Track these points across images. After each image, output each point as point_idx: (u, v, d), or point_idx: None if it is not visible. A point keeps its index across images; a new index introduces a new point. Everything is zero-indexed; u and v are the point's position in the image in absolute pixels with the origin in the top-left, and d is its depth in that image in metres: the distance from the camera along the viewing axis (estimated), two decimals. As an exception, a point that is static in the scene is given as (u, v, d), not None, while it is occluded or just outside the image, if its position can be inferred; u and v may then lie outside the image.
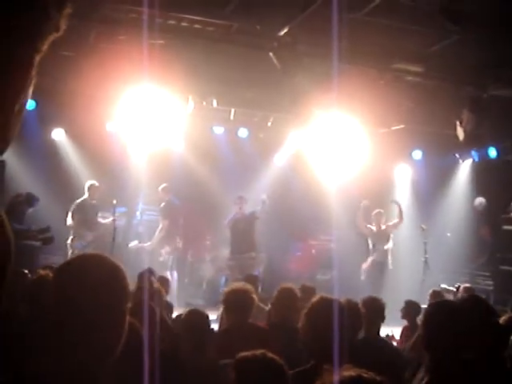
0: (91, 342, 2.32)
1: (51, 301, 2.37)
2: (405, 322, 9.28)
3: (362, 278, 14.95)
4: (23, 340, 4.64)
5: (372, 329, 6.99)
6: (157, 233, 14.83)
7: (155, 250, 14.79)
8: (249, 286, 7.12)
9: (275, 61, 10.72)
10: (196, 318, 5.89)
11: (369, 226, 15.27)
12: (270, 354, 3.98)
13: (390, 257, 14.99)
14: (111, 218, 13.62)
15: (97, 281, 2.35)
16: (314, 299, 5.02)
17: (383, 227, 15.13)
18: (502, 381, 4.31)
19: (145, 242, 15.07)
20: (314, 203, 16.13)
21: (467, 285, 11.85)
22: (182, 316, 6.28)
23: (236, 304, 6.71)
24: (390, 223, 15.23)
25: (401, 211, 15.29)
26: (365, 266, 15.02)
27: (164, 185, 15.05)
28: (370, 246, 15.26)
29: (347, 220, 15.80)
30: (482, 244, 15.99)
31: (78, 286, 2.34)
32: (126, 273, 2.46)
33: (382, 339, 7.17)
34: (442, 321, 3.94)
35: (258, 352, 3.97)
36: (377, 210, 15.24)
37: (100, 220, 14.50)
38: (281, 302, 7.27)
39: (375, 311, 7.07)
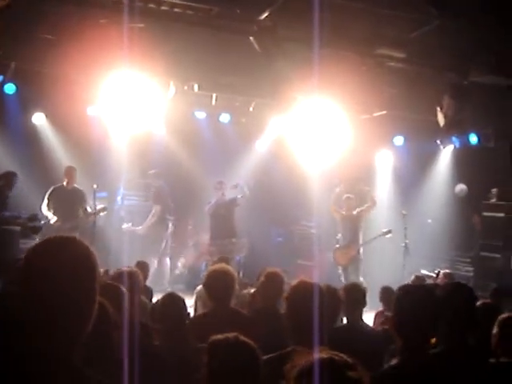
0: (61, 323, 2.32)
1: (21, 284, 2.38)
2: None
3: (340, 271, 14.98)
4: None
5: (354, 314, 7.03)
6: (149, 217, 14.88)
7: (146, 234, 14.85)
8: (229, 267, 7.12)
9: (256, 45, 10.68)
10: (172, 302, 5.90)
11: (339, 210, 15.26)
12: (242, 338, 3.98)
13: (360, 245, 14.97)
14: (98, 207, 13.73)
15: (64, 262, 2.34)
16: (294, 283, 5.03)
17: (355, 213, 15.11)
18: (469, 367, 4.32)
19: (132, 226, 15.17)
20: (295, 189, 16.17)
21: (447, 271, 11.93)
22: (159, 300, 6.30)
23: (217, 286, 6.69)
24: (363, 207, 15.20)
25: (372, 195, 15.29)
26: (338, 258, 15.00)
27: (155, 170, 15.07)
28: (340, 233, 15.26)
29: (328, 206, 15.81)
30: (471, 233, 16.03)
31: (45, 267, 2.34)
32: (94, 253, 2.45)
33: (364, 325, 7.18)
34: (413, 304, 3.94)
35: (231, 335, 3.97)
36: (346, 195, 15.22)
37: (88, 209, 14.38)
38: (267, 287, 7.16)
39: (356, 297, 7.11)
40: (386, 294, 9.17)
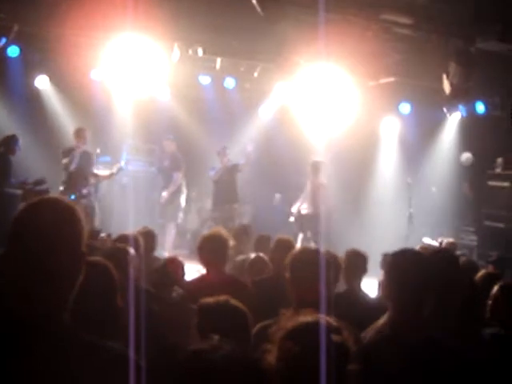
0: (47, 282, 2.34)
1: (6, 245, 2.41)
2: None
3: None
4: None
5: (354, 281, 6.99)
6: (172, 185, 14.82)
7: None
8: (223, 232, 7.09)
9: (258, 8, 10.57)
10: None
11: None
12: (233, 301, 3.97)
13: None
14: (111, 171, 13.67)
15: (47, 221, 2.37)
16: (296, 250, 5.01)
17: None
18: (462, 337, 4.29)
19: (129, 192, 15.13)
20: (299, 156, 16.09)
21: (450, 240, 11.87)
22: (159, 263, 6.31)
23: (208, 250, 6.69)
24: None
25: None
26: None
27: (170, 136, 15.00)
28: None
29: (333, 173, 15.76)
30: (465, 201, 16.01)
31: (28, 227, 2.37)
32: (79, 212, 2.48)
33: (363, 292, 7.15)
34: (406, 271, 3.85)
35: (221, 298, 3.96)
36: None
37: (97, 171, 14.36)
38: (278, 255, 6.97)
39: (357, 264, 7.06)
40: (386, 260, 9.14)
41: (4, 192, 11.57)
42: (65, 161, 13.11)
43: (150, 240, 8.21)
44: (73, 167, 13.02)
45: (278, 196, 17.60)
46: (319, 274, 4.60)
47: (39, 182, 12.16)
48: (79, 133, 13.25)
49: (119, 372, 2.34)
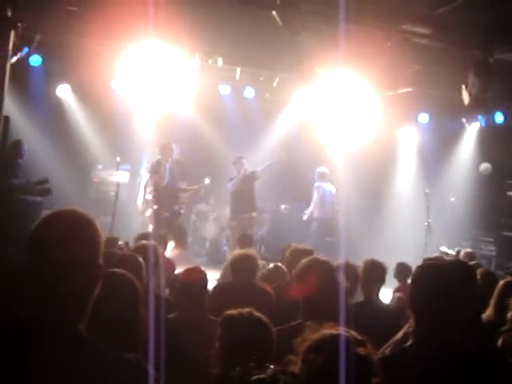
0: (63, 296, 2.37)
1: (26, 256, 2.43)
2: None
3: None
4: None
5: (372, 291, 6.99)
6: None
7: None
8: (252, 253, 7.24)
9: (278, 19, 10.62)
10: (194, 276, 5.93)
11: None
12: (256, 313, 4.01)
13: None
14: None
15: (64, 232, 2.39)
16: (305, 260, 5.05)
17: None
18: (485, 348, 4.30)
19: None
20: (318, 165, 16.09)
21: (468, 250, 11.85)
22: (180, 273, 6.34)
23: (242, 267, 6.83)
24: None
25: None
26: None
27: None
28: None
29: (352, 182, 15.78)
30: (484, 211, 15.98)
31: (48, 241, 2.38)
32: (96, 223, 2.50)
33: (381, 302, 7.17)
34: (429, 282, 3.85)
35: (245, 310, 3.99)
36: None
37: (105, 177, 14.49)
38: (296, 265, 7.16)
39: (376, 274, 7.05)
40: (401, 270, 9.16)
41: (25, 200, 11.64)
42: (155, 176, 13.09)
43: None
44: (165, 182, 13.02)
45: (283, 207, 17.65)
46: (329, 286, 4.66)
47: (42, 182, 12.20)
48: (166, 147, 13.31)
49: (129, 382, 2.37)
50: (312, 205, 15.61)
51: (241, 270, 6.93)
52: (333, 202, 15.67)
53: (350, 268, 6.77)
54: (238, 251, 7.74)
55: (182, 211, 13.69)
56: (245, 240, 10.42)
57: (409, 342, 3.87)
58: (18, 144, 12.34)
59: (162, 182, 12.94)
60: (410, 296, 3.92)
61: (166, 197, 12.92)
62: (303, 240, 12.87)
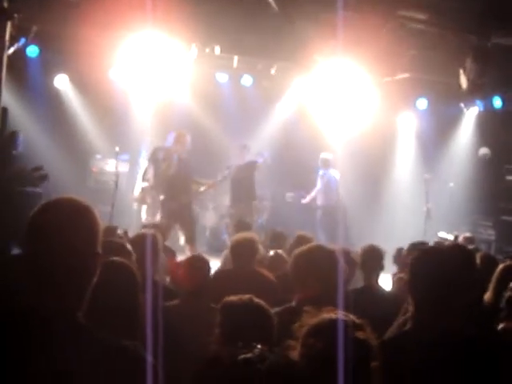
0: (61, 284, 2.38)
1: (23, 245, 2.46)
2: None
3: None
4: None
5: (371, 277, 7.00)
6: None
7: None
8: (252, 236, 7.24)
9: (274, 6, 10.60)
10: (198, 264, 5.93)
11: None
12: (256, 300, 4.02)
13: None
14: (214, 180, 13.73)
15: (65, 224, 2.39)
16: (305, 246, 5.07)
17: None
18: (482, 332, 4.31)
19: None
20: (316, 153, 16.09)
21: (467, 234, 11.87)
22: (183, 261, 6.35)
23: (242, 252, 6.84)
24: None
25: None
26: None
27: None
28: None
29: (351, 169, 15.80)
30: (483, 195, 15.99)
31: (42, 226, 2.40)
32: (93, 211, 2.51)
33: (381, 288, 7.19)
34: (428, 268, 3.82)
35: (245, 297, 4.00)
36: None
37: (104, 167, 14.49)
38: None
39: (374, 260, 7.07)
40: (399, 255, 9.18)
41: (24, 191, 11.62)
42: (163, 166, 12.80)
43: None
44: (172, 172, 12.70)
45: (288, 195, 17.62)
46: (324, 271, 4.69)
47: (37, 169, 12.15)
48: (179, 138, 12.92)
49: (131, 371, 2.37)
50: (314, 192, 15.67)
51: (241, 256, 6.94)
52: (337, 189, 15.69)
53: (344, 253, 6.79)
54: (237, 235, 7.73)
55: (193, 205, 13.48)
56: (242, 227, 10.41)
57: (408, 326, 3.87)
58: (13, 135, 12.31)
59: (169, 171, 12.76)
60: (409, 282, 3.87)
61: (173, 187, 12.63)
62: (303, 227, 12.87)
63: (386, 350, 3.25)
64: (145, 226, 9.98)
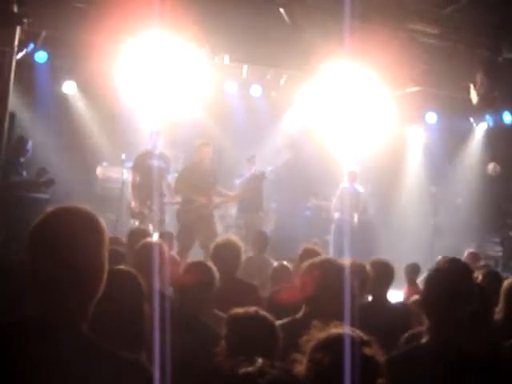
0: (64, 291, 2.33)
1: (26, 252, 2.39)
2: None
3: None
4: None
5: (380, 291, 6.93)
6: None
7: None
8: (236, 239, 7.15)
9: (285, 16, 10.59)
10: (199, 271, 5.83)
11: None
12: (262, 312, 3.98)
13: None
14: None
15: (68, 232, 2.35)
16: (315, 259, 5.03)
17: None
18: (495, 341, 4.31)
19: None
20: (324, 164, 16.06)
21: (472, 250, 11.78)
22: (184, 269, 6.26)
23: (222, 257, 6.74)
24: None
25: None
26: None
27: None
28: None
29: (359, 181, 15.75)
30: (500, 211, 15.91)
31: (49, 237, 2.35)
32: (99, 220, 2.46)
33: (389, 302, 7.11)
34: (437, 283, 3.87)
35: (251, 309, 3.96)
36: None
37: (110, 174, 14.45)
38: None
39: (384, 274, 6.99)
40: (411, 270, 9.12)
41: (30, 197, 11.60)
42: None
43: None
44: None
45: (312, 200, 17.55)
46: (335, 286, 4.65)
47: (41, 173, 12.09)
48: (205, 147, 12.84)
49: (130, 381, 2.34)
50: (333, 206, 15.61)
51: (223, 261, 6.78)
52: (356, 204, 15.48)
53: (359, 266, 6.71)
54: (220, 238, 7.63)
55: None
56: (259, 238, 10.30)
57: (425, 339, 3.86)
58: (21, 141, 12.28)
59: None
60: (424, 298, 3.94)
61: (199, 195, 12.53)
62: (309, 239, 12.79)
63: (399, 363, 3.34)
64: (162, 234, 9.91)
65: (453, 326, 3.78)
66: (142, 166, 12.56)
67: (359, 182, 15.51)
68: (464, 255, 11.33)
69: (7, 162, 11.32)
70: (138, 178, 12.60)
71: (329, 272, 4.78)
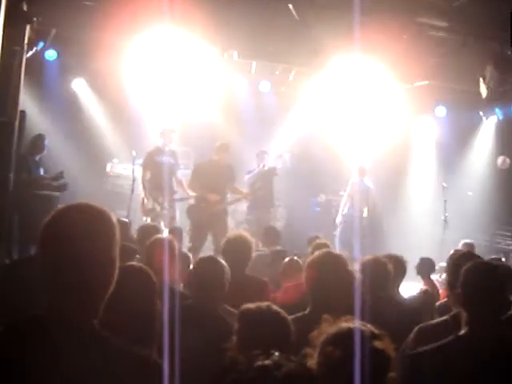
0: (76, 287, 2.33)
1: (38, 249, 2.41)
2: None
3: None
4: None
5: (392, 286, 6.92)
6: None
7: None
8: (247, 235, 7.16)
9: (294, 12, 10.58)
10: (208, 266, 5.82)
11: None
12: (274, 307, 3.98)
13: None
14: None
15: (80, 229, 2.35)
16: (318, 252, 5.06)
17: None
18: None
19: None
20: (334, 159, 16.04)
21: (467, 241, 11.72)
22: (194, 264, 6.26)
23: (233, 252, 6.75)
24: None
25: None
26: None
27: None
28: None
29: (369, 176, 15.73)
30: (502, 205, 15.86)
31: (59, 234, 2.35)
32: (113, 220, 2.46)
33: (402, 297, 7.11)
34: (480, 279, 3.95)
35: (263, 304, 3.96)
36: None
37: (121, 171, 14.49)
38: None
39: (396, 268, 6.98)
40: (424, 265, 9.10)
41: (41, 194, 11.63)
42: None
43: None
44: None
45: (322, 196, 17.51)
46: (340, 280, 4.67)
47: (57, 178, 12.11)
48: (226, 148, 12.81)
49: (145, 378, 2.35)
50: (342, 202, 15.58)
51: (234, 256, 6.79)
52: (367, 199, 15.47)
53: (380, 263, 6.70)
54: (231, 233, 7.64)
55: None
56: (270, 233, 10.31)
57: (463, 331, 3.90)
58: (38, 138, 12.32)
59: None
60: (464, 294, 3.98)
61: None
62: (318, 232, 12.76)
63: (441, 352, 3.51)
64: (172, 230, 9.92)
65: (493, 316, 3.84)
66: (151, 162, 12.60)
67: (369, 177, 15.45)
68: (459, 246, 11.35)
69: (19, 158, 11.36)
70: (148, 175, 12.63)
71: (327, 265, 4.83)
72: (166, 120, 13.88)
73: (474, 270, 4.07)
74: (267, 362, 2.66)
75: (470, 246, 11.19)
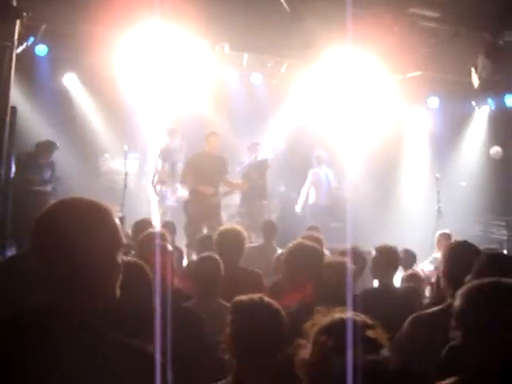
0: (78, 284, 2.34)
1: (31, 245, 2.40)
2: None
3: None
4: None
5: (386, 277, 6.93)
6: None
7: None
8: (240, 228, 7.20)
9: (285, 4, 10.56)
10: (208, 264, 5.86)
11: None
12: (267, 299, 3.98)
13: None
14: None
15: (73, 223, 2.34)
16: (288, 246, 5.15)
17: None
18: None
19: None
20: (327, 150, 16.03)
21: (445, 231, 11.71)
22: (195, 262, 6.30)
23: (226, 244, 6.77)
24: None
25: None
26: None
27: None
28: None
29: (361, 167, 15.74)
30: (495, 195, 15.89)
31: (50, 227, 2.35)
32: (111, 215, 2.49)
33: (395, 287, 7.13)
34: (463, 256, 4.20)
35: (256, 296, 3.97)
36: None
37: (113, 166, 14.47)
38: None
39: (389, 259, 6.99)
40: (405, 257, 9.11)
41: (34, 190, 11.63)
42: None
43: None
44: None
45: None
46: (309, 268, 4.71)
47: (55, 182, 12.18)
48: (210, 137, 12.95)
49: (140, 369, 2.35)
50: (302, 193, 15.60)
51: (227, 249, 6.81)
52: (330, 187, 15.60)
53: (355, 252, 6.75)
54: (224, 226, 7.67)
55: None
56: (268, 227, 10.28)
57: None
58: (49, 144, 12.39)
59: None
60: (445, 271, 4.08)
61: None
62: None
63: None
64: (165, 225, 9.94)
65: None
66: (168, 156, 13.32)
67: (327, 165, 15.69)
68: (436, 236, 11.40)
69: (25, 161, 11.40)
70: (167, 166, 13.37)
71: (298, 255, 4.88)
72: (157, 114, 13.88)
73: (452, 250, 4.37)
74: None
75: (446, 236, 11.17)
